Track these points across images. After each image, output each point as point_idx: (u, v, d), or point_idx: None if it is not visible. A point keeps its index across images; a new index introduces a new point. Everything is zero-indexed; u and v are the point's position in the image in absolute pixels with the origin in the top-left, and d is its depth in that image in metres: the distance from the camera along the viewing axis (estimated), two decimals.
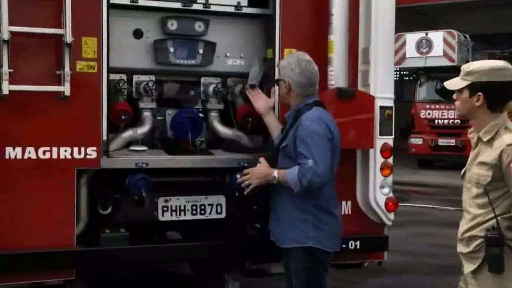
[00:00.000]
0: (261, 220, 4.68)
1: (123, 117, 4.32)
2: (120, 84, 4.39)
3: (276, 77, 4.07)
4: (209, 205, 4.55)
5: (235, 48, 4.75)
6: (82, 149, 4.09)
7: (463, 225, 3.05)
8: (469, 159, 3.09)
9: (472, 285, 2.98)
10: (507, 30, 20.16)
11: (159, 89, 4.59)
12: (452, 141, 16.61)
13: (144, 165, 4.25)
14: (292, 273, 3.82)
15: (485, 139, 2.98)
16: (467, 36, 16.87)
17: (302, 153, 3.66)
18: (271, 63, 4.60)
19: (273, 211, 3.92)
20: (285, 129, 3.89)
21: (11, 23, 3.82)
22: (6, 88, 3.81)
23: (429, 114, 17.07)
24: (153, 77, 4.53)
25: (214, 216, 4.56)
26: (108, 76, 4.16)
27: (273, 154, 3.89)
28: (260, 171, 3.83)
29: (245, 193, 3.91)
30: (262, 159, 3.88)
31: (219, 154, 4.62)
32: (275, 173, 3.75)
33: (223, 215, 4.58)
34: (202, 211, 4.53)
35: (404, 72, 19.04)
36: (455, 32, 16.23)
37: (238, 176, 4.01)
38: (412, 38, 16.53)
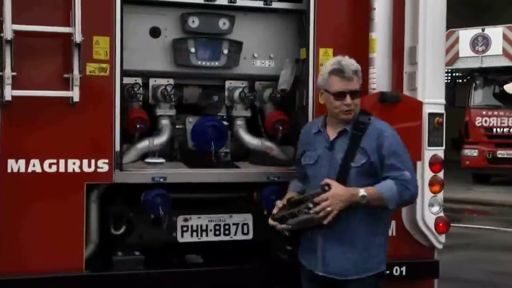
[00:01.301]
0: (292, 241, 4.67)
1: (138, 126, 4.35)
2: (135, 89, 4.42)
3: (358, 87, 3.72)
4: (234, 224, 4.54)
5: (264, 48, 4.76)
6: (93, 161, 4.11)
7: None
8: None
9: None
10: None
11: (178, 94, 4.62)
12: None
13: (161, 180, 4.27)
14: None
15: None
16: None
17: (394, 165, 3.60)
18: (304, 64, 4.59)
19: (330, 239, 3.67)
20: (348, 145, 3.65)
21: (14, 21, 3.87)
22: (9, 93, 3.86)
23: (485, 121, 16.87)
24: (172, 81, 4.56)
25: (239, 237, 4.55)
26: (121, 79, 4.19)
27: (340, 176, 3.63)
28: (342, 192, 3.56)
29: (325, 222, 3.57)
30: (330, 181, 3.60)
31: (245, 167, 4.63)
32: (363, 191, 3.55)
33: (250, 236, 4.58)
34: (227, 232, 4.53)
35: (457, 74, 18.85)
36: None
37: (310, 206, 3.59)
38: (466, 35, 16.39)
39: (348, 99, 3.64)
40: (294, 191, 3.97)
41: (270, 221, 3.77)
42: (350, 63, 3.69)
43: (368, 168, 3.62)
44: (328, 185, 3.58)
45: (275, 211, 3.79)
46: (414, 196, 3.74)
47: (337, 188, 3.57)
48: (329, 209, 3.55)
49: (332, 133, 3.75)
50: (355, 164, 3.62)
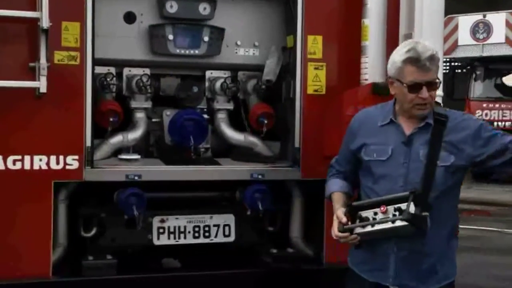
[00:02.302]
0: (278, 244, 4.69)
1: (111, 119, 4.34)
2: (108, 79, 4.41)
3: (436, 76, 3.39)
4: (214, 226, 4.55)
5: (248, 35, 4.76)
6: (61, 158, 4.10)
7: None
8: None
9: None
10: None
11: (155, 85, 4.61)
12: None
13: (136, 178, 4.26)
14: None
15: None
16: None
17: (497, 132, 3.42)
18: (291, 53, 4.59)
19: (405, 247, 3.36)
20: (431, 140, 3.35)
21: None
22: None
23: (486, 115, 16.98)
24: (148, 71, 4.55)
25: (221, 239, 4.57)
26: (93, 69, 4.18)
27: (426, 177, 3.29)
28: None
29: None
30: None
31: (227, 164, 4.62)
32: None
33: (231, 238, 4.59)
34: (206, 234, 4.54)
35: (456, 64, 18.95)
36: None
37: (396, 214, 3.25)
38: (466, 22, 16.46)
39: (424, 92, 3.31)
40: (342, 192, 3.60)
41: (338, 233, 3.42)
42: (426, 49, 3.34)
43: (457, 166, 3.37)
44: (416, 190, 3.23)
45: (337, 225, 3.42)
46: None
47: None
48: None
49: (407, 126, 3.42)
50: (443, 163, 3.33)
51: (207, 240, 4.54)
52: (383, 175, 3.39)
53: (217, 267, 4.57)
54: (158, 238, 4.46)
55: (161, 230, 4.47)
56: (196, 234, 4.52)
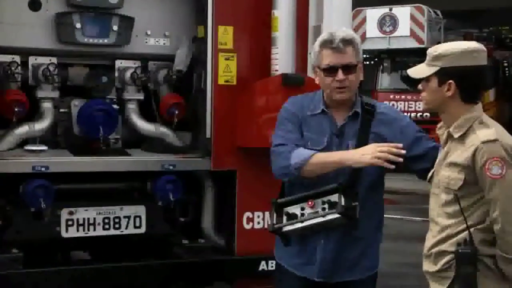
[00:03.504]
0: (190, 235, 4.70)
1: (16, 109, 4.25)
2: (13, 68, 4.31)
3: (353, 60, 3.35)
4: (125, 217, 4.52)
5: (158, 24, 4.73)
6: None
7: (430, 239, 3.13)
8: (437, 160, 3.18)
9: None
10: (486, 6, 20.73)
11: (62, 75, 4.54)
12: None
13: (43, 169, 4.19)
14: None
15: (456, 136, 3.06)
16: (439, 12, 17.24)
17: (423, 135, 3.46)
18: (202, 43, 4.60)
19: (333, 241, 3.36)
20: (359, 131, 3.36)
21: None
22: None
23: (393, 105, 17.32)
24: (55, 60, 4.48)
25: (131, 231, 4.53)
26: None
27: (354, 170, 3.29)
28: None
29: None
30: None
31: (138, 155, 4.60)
32: None
33: (142, 230, 4.56)
34: (117, 225, 4.50)
35: (364, 55, 19.32)
36: (424, 7, 16.53)
37: (325, 207, 3.23)
38: (373, 14, 16.77)
39: (340, 75, 3.29)
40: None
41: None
42: (344, 33, 3.34)
43: None
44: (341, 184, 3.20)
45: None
46: None
47: None
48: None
49: (338, 117, 3.40)
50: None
51: (117, 232, 4.50)
52: None
53: (128, 259, 4.54)
54: (67, 231, 4.39)
55: (69, 222, 4.39)
56: (106, 226, 4.48)
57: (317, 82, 3.44)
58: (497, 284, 3.01)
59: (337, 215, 3.19)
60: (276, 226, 3.30)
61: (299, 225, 3.27)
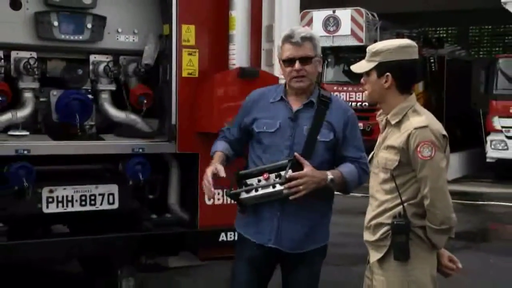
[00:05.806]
0: (157, 210, 4.65)
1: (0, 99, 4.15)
2: None
3: (310, 53, 3.36)
4: (99, 195, 4.46)
5: (128, 23, 4.67)
6: None
7: (370, 212, 3.15)
8: (377, 143, 3.18)
9: (378, 274, 3.08)
10: (416, 9, 20.93)
11: (42, 68, 4.47)
12: (360, 125, 17.02)
13: (25, 152, 4.11)
14: (309, 278, 3.48)
15: (393, 122, 3.08)
16: (375, 14, 17.38)
17: (356, 146, 3.42)
18: (167, 40, 4.54)
19: (287, 212, 3.35)
20: (314, 117, 3.37)
21: None
22: None
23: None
24: (35, 54, 4.39)
25: (105, 207, 4.48)
26: None
27: (306, 149, 3.33)
28: (317, 175, 3.27)
29: (292, 197, 3.25)
30: (303, 159, 3.26)
31: (110, 140, 4.54)
32: (330, 175, 3.30)
33: (115, 206, 4.51)
34: (92, 202, 4.44)
35: None
36: (363, 10, 16.65)
37: (277, 180, 3.25)
38: (319, 16, 16.81)
39: (297, 65, 3.32)
40: (223, 153, 3.50)
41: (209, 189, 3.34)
42: (302, 30, 3.38)
43: (334, 143, 3.38)
44: (295, 158, 3.24)
45: (210, 173, 3.33)
46: (366, 180, 3.42)
47: (312, 170, 3.26)
48: (301, 187, 3.23)
49: (295, 104, 3.41)
50: (323, 139, 3.35)
51: (93, 208, 4.44)
52: (271, 145, 3.38)
53: (103, 232, 4.48)
54: (47, 207, 4.32)
55: (50, 200, 4.32)
56: (83, 203, 4.41)
57: (281, 72, 3.49)
58: (426, 251, 3.04)
59: (282, 187, 3.23)
60: (232, 192, 3.34)
61: (253, 193, 3.31)
